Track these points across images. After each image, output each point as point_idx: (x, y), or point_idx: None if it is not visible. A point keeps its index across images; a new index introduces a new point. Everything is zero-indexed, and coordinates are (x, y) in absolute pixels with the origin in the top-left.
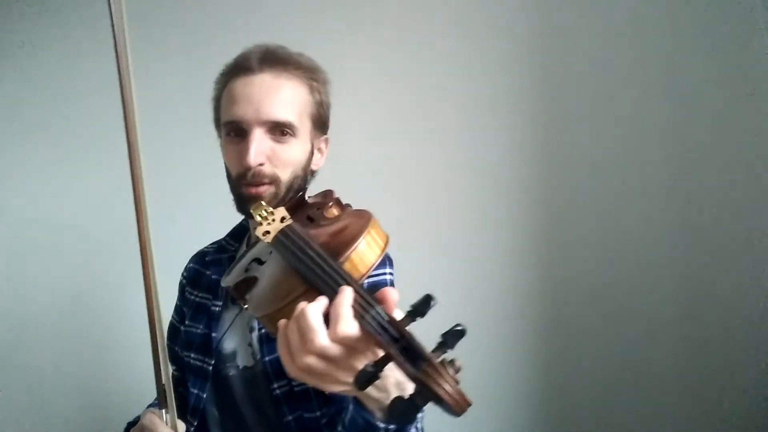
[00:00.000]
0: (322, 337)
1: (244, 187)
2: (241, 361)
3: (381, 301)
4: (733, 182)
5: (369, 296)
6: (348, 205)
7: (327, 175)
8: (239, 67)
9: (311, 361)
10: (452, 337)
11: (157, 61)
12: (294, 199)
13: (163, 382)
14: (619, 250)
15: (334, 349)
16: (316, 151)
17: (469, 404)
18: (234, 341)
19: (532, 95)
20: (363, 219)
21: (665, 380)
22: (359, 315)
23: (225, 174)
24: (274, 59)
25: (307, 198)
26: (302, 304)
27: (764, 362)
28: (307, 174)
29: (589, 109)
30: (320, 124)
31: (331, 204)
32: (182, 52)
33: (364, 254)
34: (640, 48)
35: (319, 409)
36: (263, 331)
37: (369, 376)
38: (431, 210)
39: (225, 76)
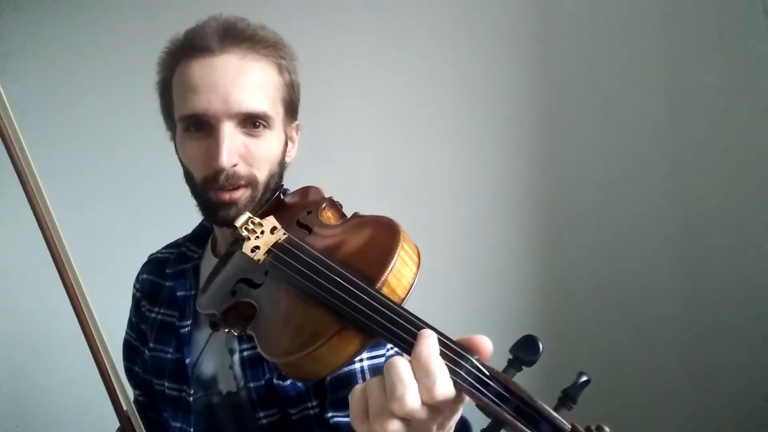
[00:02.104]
0: (413, 398)
1: (213, 192)
2: (224, 386)
3: (473, 350)
4: (732, 181)
5: (456, 343)
6: (340, 205)
7: (326, 175)
8: (194, 47)
9: (395, 428)
10: (578, 390)
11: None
12: (271, 201)
13: (125, 410)
14: (620, 250)
15: (423, 412)
16: (288, 141)
17: None
18: (212, 365)
19: (533, 95)
20: (388, 227)
21: (665, 379)
22: (451, 370)
23: (183, 174)
24: (237, 36)
25: (282, 197)
26: (395, 359)
27: (764, 361)
28: (282, 169)
29: (588, 109)
30: (292, 108)
31: (324, 205)
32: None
33: (401, 275)
34: (640, 48)
35: None
36: (246, 354)
37: None
38: (431, 210)
39: (174, 56)
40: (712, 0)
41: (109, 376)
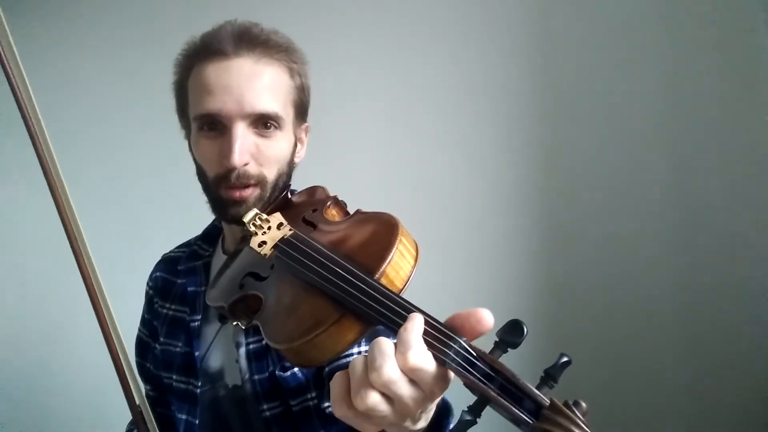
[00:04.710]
0: (391, 368)
1: (224, 189)
2: (230, 379)
3: (461, 331)
4: (732, 180)
5: (445, 326)
6: (344, 204)
7: (331, 174)
8: (210, 50)
9: (374, 400)
10: (559, 370)
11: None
12: (278, 200)
13: (137, 403)
14: (619, 249)
15: (402, 384)
16: (297, 142)
17: None
18: (220, 358)
19: (534, 95)
20: (388, 223)
21: (664, 378)
22: (440, 350)
23: (196, 172)
24: (251, 41)
25: (290, 197)
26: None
27: (764, 360)
28: (291, 169)
29: (589, 109)
30: (302, 111)
31: (329, 203)
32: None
33: (399, 267)
34: (640, 48)
35: (323, 428)
36: (251, 347)
37: (467, 426)
38: (433, 209)
39: (190, 58)
40: (712, 0)
41: (124, 371)
